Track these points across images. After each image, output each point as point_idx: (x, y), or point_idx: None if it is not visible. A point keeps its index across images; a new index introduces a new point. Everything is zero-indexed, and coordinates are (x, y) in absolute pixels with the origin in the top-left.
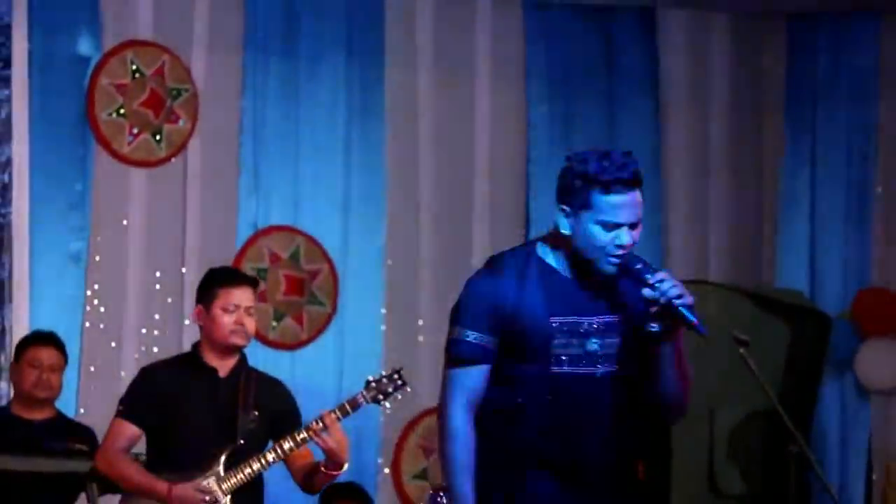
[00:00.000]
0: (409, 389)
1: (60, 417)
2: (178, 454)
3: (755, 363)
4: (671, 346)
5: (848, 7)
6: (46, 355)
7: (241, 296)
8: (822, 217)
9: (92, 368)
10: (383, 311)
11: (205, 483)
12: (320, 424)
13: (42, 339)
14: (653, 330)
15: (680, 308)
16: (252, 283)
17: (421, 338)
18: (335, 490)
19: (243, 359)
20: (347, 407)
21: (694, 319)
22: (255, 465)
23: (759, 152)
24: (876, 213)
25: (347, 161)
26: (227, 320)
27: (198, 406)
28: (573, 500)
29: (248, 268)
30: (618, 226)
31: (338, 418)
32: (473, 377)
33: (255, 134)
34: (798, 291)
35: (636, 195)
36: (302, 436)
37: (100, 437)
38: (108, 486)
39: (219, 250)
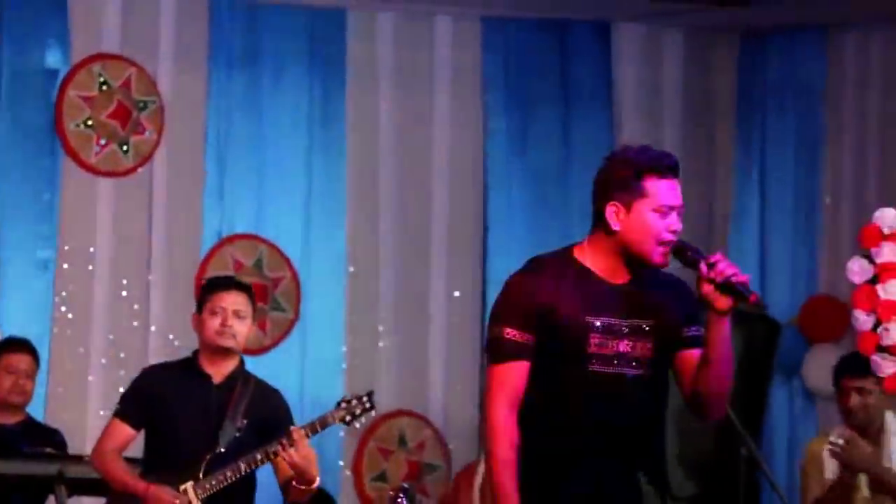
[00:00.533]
0: (374, 414)
1: (31, 421)
2: (168, 457)
3: None
4: (723, 331)
5: (796, 23)
6: (21, 361)
7: (228, 299)
8: (771, 226)
9: (60, 374)
10: (345, 316)
11: (183, 487)
12: (288, 440)
13: (17, 345)
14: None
15: (736, 285)
16: (241, 287)
17: (381, 343)
18: None
19: (241, 366)
20: (317, 425)
21: (751, 293)
22: (228, 473)
23: (710, 162)
24: (823, 222)
25: (309, 171)
26: (213, 322)
27: (189, 411)
28: (608, 501)
29: (212, 274)
30: (672, 209)
31: (306, 435)
32: (515, 374)
33: (219, 145)
34: None
35: (678, 182)
36: (273, 449)
37: (69, 440)
38: (77, 488)
39: (184, 258)
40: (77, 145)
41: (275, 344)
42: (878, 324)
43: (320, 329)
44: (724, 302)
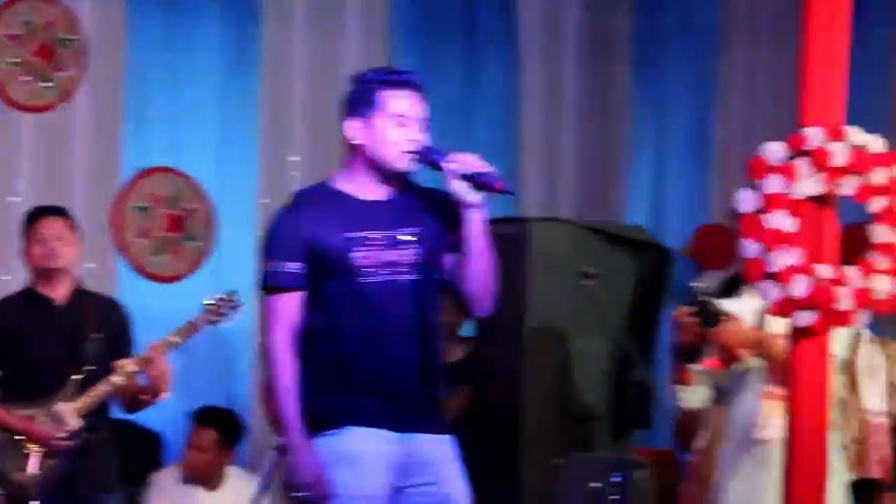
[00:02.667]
0: (243, 309)
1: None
2: (26, 385)
3: (602, 294)
4: (477, 225)
5: None
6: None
7: (47, 225)
8: (665, 159)
9: None
10: (255, 247)
11: (55, 409)
12: (147, 356)
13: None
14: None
15: (480, 175)
16: (58, 213)
17: None
18: (210, 412)
19: (79, 285)
20: (187, 330)
21: (496, 181)
22: (104, 388)
23: (609, 98)
24: (715, 155)
25: (224, 107)
26: (36, 249)
27: (40, 335)
28: (391, 410)
29: (130, 206)
30: (409, 119)
31: (178, 342)
32: (291, 304)
33: (138, 82)
34: (642, 227)
35: (419, 97)
36: (132, 367)
37: None
38: None
39: (103, 191)
40: (3, 81)
41: (189, 272)
42: (763, 252)
43: (233, 258)
44: (473, 196)
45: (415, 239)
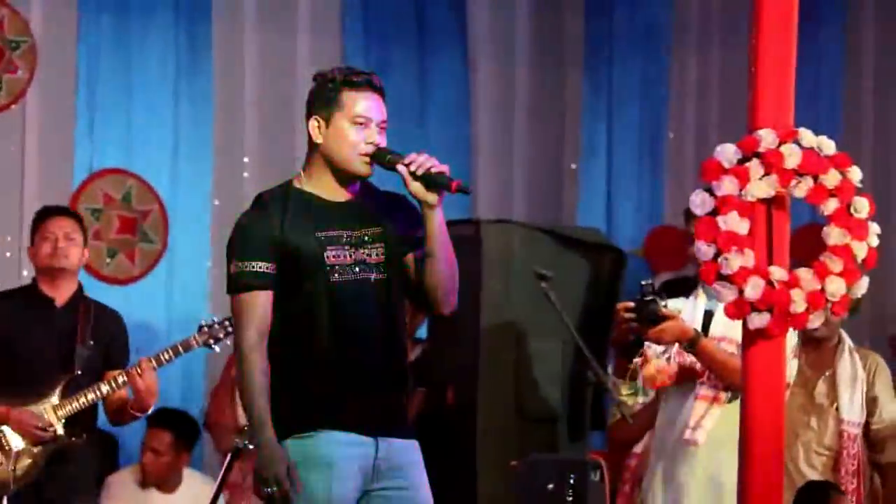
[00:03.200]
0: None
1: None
2: (17, 380)
3: (557, 296)
4: (437, 225)
5: None
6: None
7: (57, 223)
8: (618, 161)
9: None
10: (210, 248)
11: (40, 409)
12: (138, 369)
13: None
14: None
15: (436, 175)
16: (70, 214)
17: None
18: (165, 415)
19: (80, 289)
20: (180, 348)
21: (452, 181)
22: (91, 395)
23: (560, 100)
24: (667, 157)
25: (177, 108)
26: (45, 247)
27: (36, 334)
28: (363, 413)
29: (83, 208)
30: (370, 121)
31: (170, 358)
32: (261, 303)
33: (89, 83)
34: (596, 229)
35: (381, 99)
36: (122, 378)
37: None
38: None
39: (55, 192)
40: None
41: (144, 274)
42: (718, 254)
43: (187, 260)
44: (431, 196)
45: (380, 239)
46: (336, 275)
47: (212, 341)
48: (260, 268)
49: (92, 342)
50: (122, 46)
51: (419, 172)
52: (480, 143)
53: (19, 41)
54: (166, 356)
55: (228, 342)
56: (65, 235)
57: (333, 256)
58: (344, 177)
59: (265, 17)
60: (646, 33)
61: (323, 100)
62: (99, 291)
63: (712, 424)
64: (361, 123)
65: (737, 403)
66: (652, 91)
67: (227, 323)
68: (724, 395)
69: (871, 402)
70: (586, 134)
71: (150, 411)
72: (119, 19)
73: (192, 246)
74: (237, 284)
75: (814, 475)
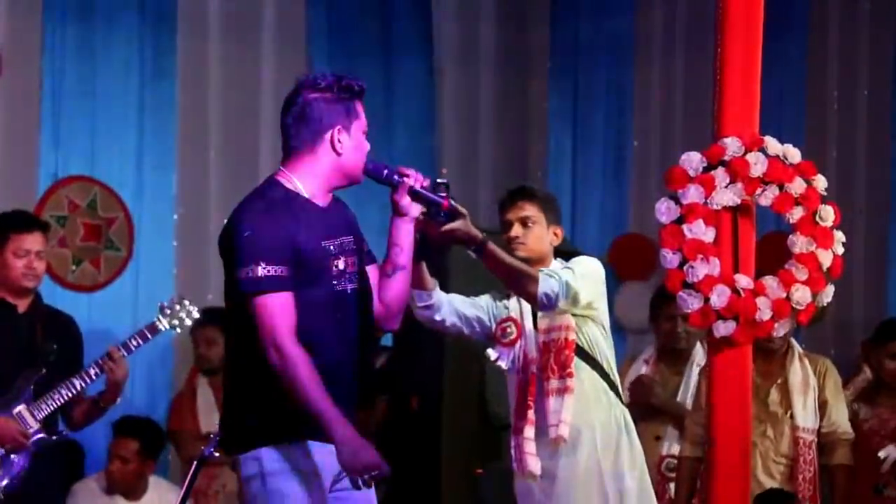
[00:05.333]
0: (196, 315)
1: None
2: None
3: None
4: (411, 237)
5: None
6: (32, 241)
7: (33, 241)
8: (583, 170)
9: None
10: (175, 255)
11: (16, 410)
12: (110, 359)
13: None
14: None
15: (429, 194)
16: (43, 227)
17: (211, 280)
18: (131, 423)
19: (38, 296)
20: (147, 332)
21: (435, 197)
22: (65, 392)
23: (525, 110)
24: (632, 166)
25: (141, 117)
26: (18, 265)
27: (1, 340)
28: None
29: (47, 215)
30: (366, 131)
31: (138, 344)
32: (289, 304)
33: (54, 91)
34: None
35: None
36: (94, 371)
37: None
38: None
39: (20, 200)
40: None
41: (108, 282)
42: (684, 262)
43: (152, 267)
44: (416, 209)
45: (355, 249)
46: (336, 283)
47: (176, 322)
48: (282, 271)
49: (54, 345)
50: (86, 55)
51: (416, 188)
52: (445, 152)
53: None
54: (134, 343)
55: (190, 321)
56: (37, 254)
57: (335, 265)
58: (342, 186)
59: (230, 27)
60: (611, 43)
61: (343, 110)
62: (64, 299)
63: (571, 416)
64: (366, 132)
65: (585, 386)
66: (616, 100)
67: (186, 303)
68: (570, 382)
69: (822, 406)
70: (551, 143)
71: (116, 402)
72: (84, 28)
73: (157, 253)
74: (260, 287)
75: (772, 484)
